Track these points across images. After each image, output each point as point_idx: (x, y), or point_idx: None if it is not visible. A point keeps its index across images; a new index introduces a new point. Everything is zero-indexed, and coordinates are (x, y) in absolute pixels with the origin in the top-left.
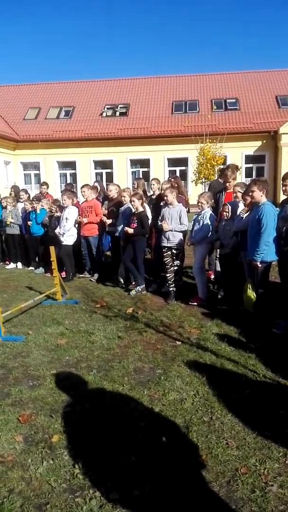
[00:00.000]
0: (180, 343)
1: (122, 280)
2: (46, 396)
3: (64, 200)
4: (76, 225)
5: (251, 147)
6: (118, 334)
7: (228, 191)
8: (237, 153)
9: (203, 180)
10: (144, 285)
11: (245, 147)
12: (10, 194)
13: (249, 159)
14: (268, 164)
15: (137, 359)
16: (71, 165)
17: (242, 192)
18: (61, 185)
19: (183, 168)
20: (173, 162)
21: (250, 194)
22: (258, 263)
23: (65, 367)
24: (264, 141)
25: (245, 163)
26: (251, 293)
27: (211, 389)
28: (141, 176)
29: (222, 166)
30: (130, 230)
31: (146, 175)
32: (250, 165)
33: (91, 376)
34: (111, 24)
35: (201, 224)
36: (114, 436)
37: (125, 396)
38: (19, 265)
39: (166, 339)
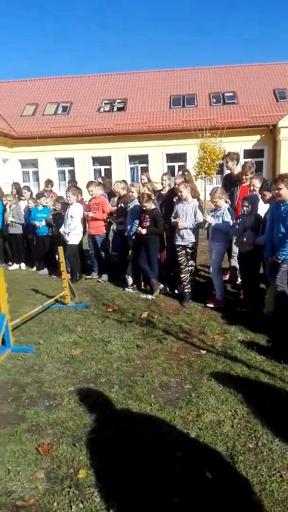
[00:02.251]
0: (204, 352)
1: (130, 281)
2: (66, 419)
3: (69, 197)
4: (81, 224)
5: (250, 141)
6: (136, 343)
7: (244, 184)
8: (235, 147)
9: (203, 175)
10: (160, 289)
11: (243, 142)
12: (12, 192)
13: (247, 153)
14: (266, 159)
15: (161, 372)
16: (69, 162)
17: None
18: (59, 182)
19: (181, 163)
20: (171, 157)
21: (277, 191)
22: (280, 261)
23: (83, 382)
24: (263, 135)
25: (244, 158)
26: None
27: (250, 408)
28: (139, 172)
29: (221, 161)
30: (143, 231)
31: (145, 171)
32: (249, 159)
33: (114, 394)
34: (107, 16)
35: (220, 221)
36: (149, 469)
37: (154, 418)
38: (23, 266)
39: (189, 347)
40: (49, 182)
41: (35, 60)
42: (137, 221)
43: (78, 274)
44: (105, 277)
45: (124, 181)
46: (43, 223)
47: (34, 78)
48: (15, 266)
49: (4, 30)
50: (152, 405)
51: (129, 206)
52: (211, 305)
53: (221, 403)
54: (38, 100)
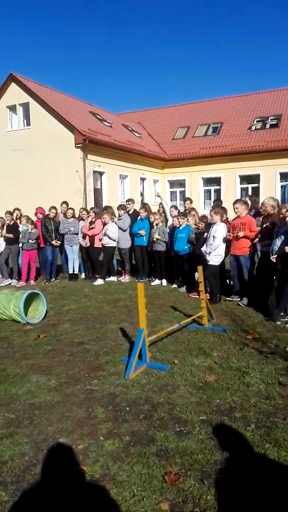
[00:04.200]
0: None
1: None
2: (196, 450)
3: (212, 216)
4: (225, 244)
5: None
6: (278, 379)
7: None
8: None
9: None
10: None
11: None
12: (158, 210)
13: None
14: None
15: None
16: (215, 181)
17: None
18: (204, 201)
19: None
20: None
21: None
22: None
23: (216, 413)
24: None
25: None
26: None
27: None
28: None
29: None
30: None
31: None
32: None
33: (249, 433)
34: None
35: None
36: None
37: None
38: (164, 282)
39: None
40: (187, 199)
41: (186, 86)
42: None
43: (217, 295)
44: (245, 300)
45: (276, 199)
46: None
47: (186, 102)
48: (157, 282)
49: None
50: None
51: (277, 227)
52: None
53: None
54: (190, 123)
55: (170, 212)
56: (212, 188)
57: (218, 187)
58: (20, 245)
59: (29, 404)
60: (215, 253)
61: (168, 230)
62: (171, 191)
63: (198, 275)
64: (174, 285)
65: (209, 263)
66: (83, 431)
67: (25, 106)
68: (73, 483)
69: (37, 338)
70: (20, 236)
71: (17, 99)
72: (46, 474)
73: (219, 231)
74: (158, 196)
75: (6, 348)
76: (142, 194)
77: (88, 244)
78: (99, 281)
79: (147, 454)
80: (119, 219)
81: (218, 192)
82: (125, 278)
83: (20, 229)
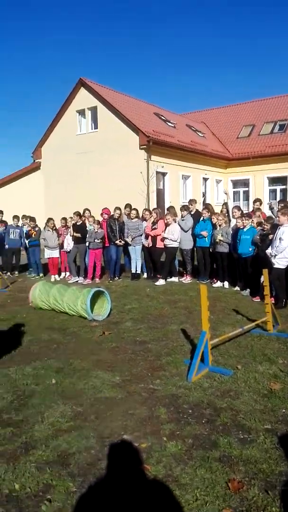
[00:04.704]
0: None
1: None
2: (260, 460)
3: (278, 217)
4: None
5: None
6: None
7: None
8: None
9: None
10: None
11: None
12: (221, 211)
13: None
14: None
15: None
16: (281, 180)
17: None
18: (270, 202)
19: None
20: None
21: None
22: None
23: (282, 423)
24: None
25: None
26: None
27: None
28: None
29: None
30: None
31: None
32: None
33: None
34: None
35: None
36: None
37: None
38: (226, 284)
39: None
40: (256, 201)
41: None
42: None
43: (283, 300)
44: None
45: None
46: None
47: (251, 100)
48: (218, 284)
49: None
50: None
51: None
52: None
53: None
54: (254, 121)
55: (233, 213)
56: (278, 188)
57: (284, 187)
58: (87, 244)
59: (95, 399)
60: (281, 256)
61: (231, 231)
62: (234, 191)
63: (264, 279)
64: (237, 288)
65: (275, 266)
66: (146, 430)
67: (93, 110)
68: (137, 480)
69: (102, 334)
70: (87, 236)
71: (86, 103)
72: (111, 469)
73: (286, 232)
74: (226, 193)
75: (74, 343)
76: (204, 195)
77: (151, 245)
78: (161, 282)
79: (210, 459)
80: (181, 220)
81: (284, 192)
82: (187, 279)
83: (87, 228)
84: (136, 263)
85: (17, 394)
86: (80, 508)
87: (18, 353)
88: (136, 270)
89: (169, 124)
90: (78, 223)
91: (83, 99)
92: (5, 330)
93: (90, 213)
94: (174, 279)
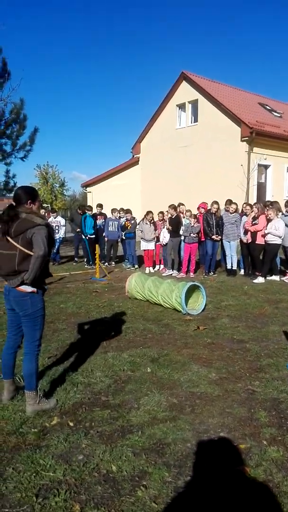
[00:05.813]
0: None
1: None
2: None
3: None
4: None
5: None
6: None
7: None
8: None
9: None
10: None
11: None
12: None
13: None
14: None
15: None
16: None
17: None
18: None
19: None
20: None
21: None
22: None
23: None
24: None
25: None
26: None
27: None
28: None
29: None
30: None
31: None
32: None
33: None
34: None
35: None
36: None
37: None
38: None
39: None
40: None
41: None
42: None
43: None
44: None
45: None
46: None
47: None
48: None
49: None
50: None
51: None
52: None
53: None
54: None
55: None
56: None
57: None
58: (182, 238)
59: (190, 392)
60: None
61: None
62: None
63: None
64: None
65: None
66: (245, 431)
67: (194, 103)
68: (234, 481)
69: (196, 329)
70: (183, 230)
71: (187, 97)
72: (207, 464)
73: None
74: None
75: (169, 335)
76: None
77: (250, 240)
78: (260, 279)
79: None
80: (285, 215)
81: None
82: None
83: (184, 222)
84: (232, 259)
85: (114, 378)
86: (176, 499)
87: (115, 340)
88: (232, 266)
89: (275, 114)
90: (173, 217)
91: (184, 93)
92: (104, 318)
93: (184, 206)
94: (275, 277)
